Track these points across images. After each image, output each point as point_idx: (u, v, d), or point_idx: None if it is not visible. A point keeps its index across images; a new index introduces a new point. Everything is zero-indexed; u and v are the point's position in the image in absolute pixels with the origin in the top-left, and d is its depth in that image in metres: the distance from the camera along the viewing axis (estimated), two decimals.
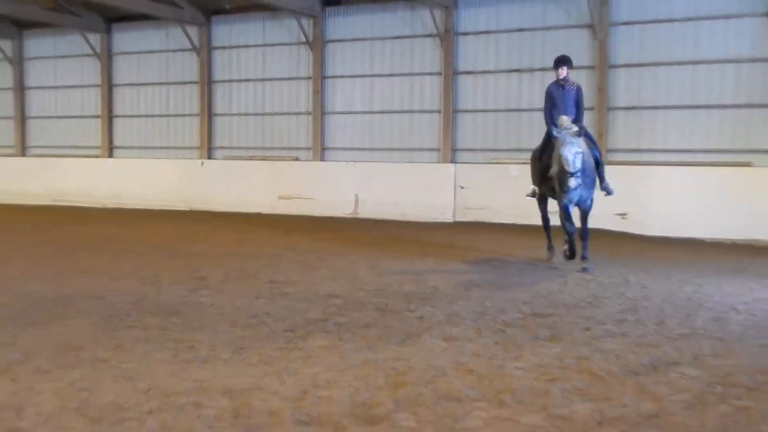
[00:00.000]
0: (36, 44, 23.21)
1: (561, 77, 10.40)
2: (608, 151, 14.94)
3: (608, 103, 15.19)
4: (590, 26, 15.22)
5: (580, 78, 14.97)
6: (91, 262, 10.56)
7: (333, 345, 6.03)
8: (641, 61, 14.96)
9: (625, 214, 14.07)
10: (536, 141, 11.50)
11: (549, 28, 15.85)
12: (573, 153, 9.56)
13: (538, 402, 4.66)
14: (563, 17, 15.65)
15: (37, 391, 4.89)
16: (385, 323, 6.87)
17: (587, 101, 14.77)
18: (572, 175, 9.60)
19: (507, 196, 15.12)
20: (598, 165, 10.37)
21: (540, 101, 11.97)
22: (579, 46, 15.03)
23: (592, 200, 10.31)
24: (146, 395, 4.79)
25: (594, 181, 10.26)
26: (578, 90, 10.56)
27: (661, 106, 14.85)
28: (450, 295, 8.04)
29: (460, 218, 16.40)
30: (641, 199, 14.04)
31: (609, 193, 10.54)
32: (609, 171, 13.49)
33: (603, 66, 15.12)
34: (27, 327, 6.70)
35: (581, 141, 9.82)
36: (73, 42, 21.87)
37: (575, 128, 9.83)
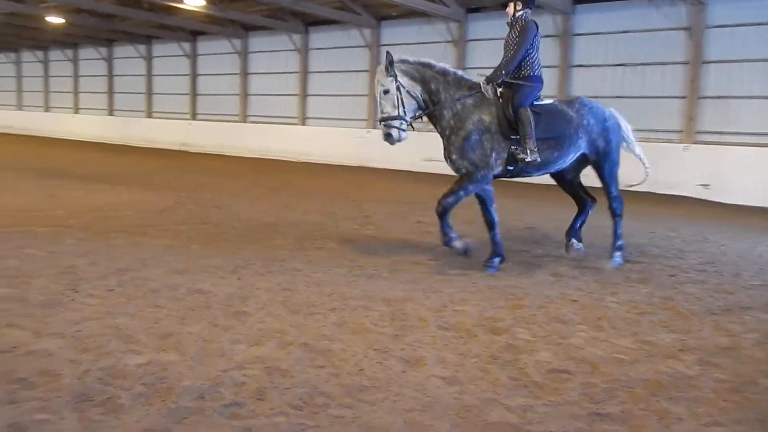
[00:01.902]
0: (257, 42, 24.13)
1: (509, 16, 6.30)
2: (697, 132, 13.87)
3: (699, 93, 14.01)
4: (688, 29, 14.09)
5: (675, 73, 14.08)
6: (289, 200, 10.92)
7: (465, 273, 6.03)
8: (730, 58, 13.64)
9: (708, 185, 13.10)
10: None
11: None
12: (378, 93, 6.15)
13: (629, 329, 4.50)
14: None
15: (256, 287, 5.17)
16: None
17: (679, 90, 13.97)
18: (381, 122, 6.17)
19: None
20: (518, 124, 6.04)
21: None
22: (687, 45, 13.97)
23: (466, 166, 6.10)
24: (329, 297, 4.96)
25: (463, 144, 6.09)
26: (521, 28, 6.14)
27: (745, 96, 13.57)
28: (559, 241, 7.80)
29: None
30: (722, 173, 12.94)
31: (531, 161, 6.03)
32: (698, 151, 12.09)
33: (697, 62, 13.97)
34: (248, 243, 7.05)
35: (395, 77, 6.01)
36: (283, 40, 22.56)
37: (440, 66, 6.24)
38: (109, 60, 32.17)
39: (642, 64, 14.83)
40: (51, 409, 2.87)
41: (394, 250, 6.97)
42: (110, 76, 32.20)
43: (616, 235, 6.70)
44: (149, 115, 29.31)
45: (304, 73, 22.39)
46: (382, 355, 3.80)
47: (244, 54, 24.53)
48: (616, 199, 6.76)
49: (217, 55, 25.86)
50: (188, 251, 6.47)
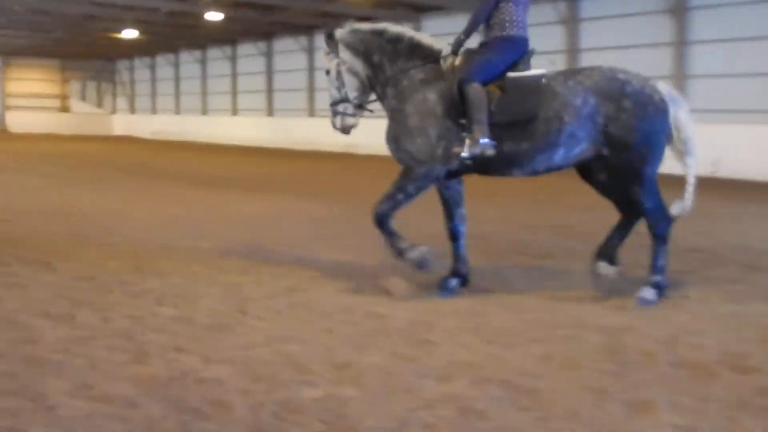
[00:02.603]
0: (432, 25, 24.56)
1: None
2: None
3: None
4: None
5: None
6: (476, 208, 10.88)
7: (700, 297, 5.63)
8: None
9: None
10: None
11: None
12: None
13: None
14: None
15: (441, 310, 5.18)
16: (751, 280, 6.27)
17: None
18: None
19: None
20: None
21: None
22: None
23: (404, 159, 5.66)
24: (530, 324, 4.85)
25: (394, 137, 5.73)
26: None
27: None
28: None
29: None
30: None
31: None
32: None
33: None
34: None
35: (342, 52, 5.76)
36: (459, 20, 22.74)
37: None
38: (269, 54, 34.22)
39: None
40: None
41: None
42: (269, 72, 34.23)
43: (654, 267, 5.46)
44: (311, 114, 30.77)
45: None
46: (599, 396, 3.64)
47: None
48: (652, 215, 5.48)
49: None
50: (361, 268, 6.65)
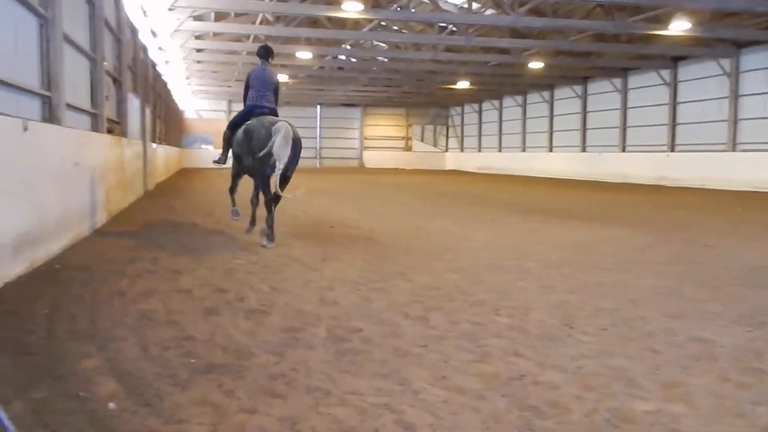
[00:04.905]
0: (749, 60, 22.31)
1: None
2: None
3: None
4: None
5: None
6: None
7: None
8: None
9: None
10: None
11: None
12: None
13: None
14: None
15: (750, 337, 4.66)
16: None
17: None
18: None
19: None
20: None
21: None
22: None
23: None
24: None
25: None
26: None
27: None
28: None
29: None
30: None
31: None
32: None
33: None
34: (748, 289, 6.43)
35: None
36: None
37: None
38: (584, 97, 33.68)
39: None
40: None
41: None
42: (584, 112, 33.66)
43: None
44: (623, 149, 29.60)
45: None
46: None
47: (734, 75, 22.90)
48: None
49: (700, 80, 24.76)
50: (679, 294, 6.21)
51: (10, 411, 3.10)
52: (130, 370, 3.80)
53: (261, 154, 8.35)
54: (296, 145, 8.53)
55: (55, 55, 8.88)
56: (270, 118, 8.79)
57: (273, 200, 8.78)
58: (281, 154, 8.32)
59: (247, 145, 8.68)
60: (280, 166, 8.34)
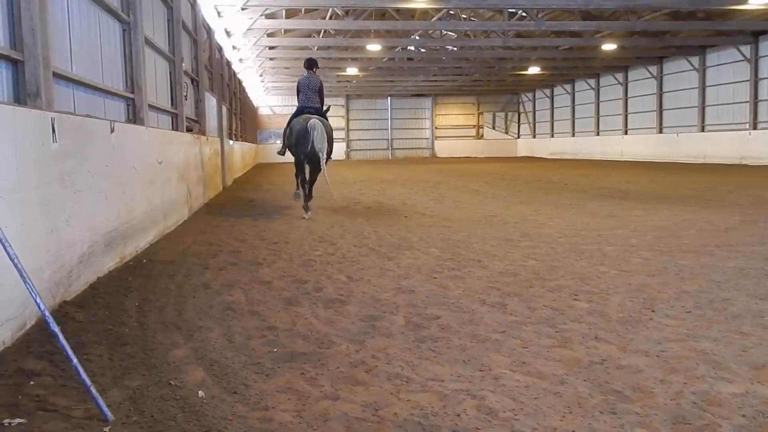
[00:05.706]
0: None
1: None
2: None
3: None
4: None
5: None
6: None
7: None
8: None
9: None
10: None
11: None
12: None
13: None
14: None
15: None
16: None
17: None
18: None
19: None
20: None
21: None
22: None
23: None
24: None
25: None
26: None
27: None
28: None
29: None
30: None
31: None
32: None
33: None
34: None
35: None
36: None
37: None
38: (659, 77, 32.56)
39: None
40: (650, 425, 2.94)
41: None
42: (660, 93, 32.53)
43: None
44: (701, 129, 28.49)
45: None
46: None
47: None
48: None
49: None
50: (765, 276, 5.94)
51: (108, 399, 3.25)
52: (217, 359, 3.92)
53: (297, 143, 10.67)
54: (322, 136, 10.55)
55: (137, 58, 9.21)
56: (306, 115, 10.86)
57: (307, 181, 11.26)
58: (314, 143, 10.52)
59: (293, 138, 10.87)
60: (311, 152, 10.62)
